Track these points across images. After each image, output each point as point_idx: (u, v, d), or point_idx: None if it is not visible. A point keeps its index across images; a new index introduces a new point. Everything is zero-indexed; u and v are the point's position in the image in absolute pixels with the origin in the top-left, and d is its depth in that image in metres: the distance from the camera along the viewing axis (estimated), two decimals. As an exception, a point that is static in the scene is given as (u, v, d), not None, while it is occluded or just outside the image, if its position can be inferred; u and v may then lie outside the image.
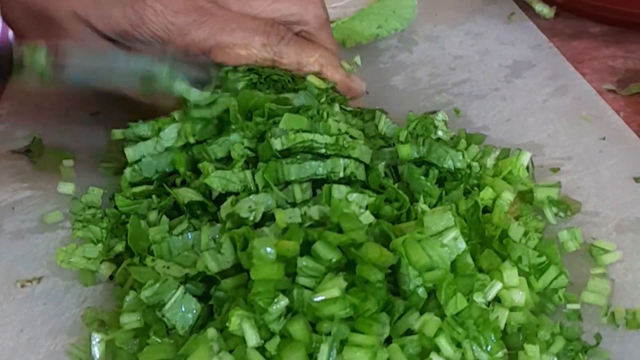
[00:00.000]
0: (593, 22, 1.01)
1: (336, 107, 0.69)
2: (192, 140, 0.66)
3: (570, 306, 0.59)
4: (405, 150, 0.64)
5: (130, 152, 0.67)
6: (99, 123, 0.81)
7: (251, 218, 0.58)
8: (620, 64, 0.92)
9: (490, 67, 0.90)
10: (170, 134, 0.67)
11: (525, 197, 0.68)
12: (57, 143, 0.78)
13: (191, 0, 0.71)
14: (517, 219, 0.64)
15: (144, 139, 0.67)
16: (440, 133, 0.69)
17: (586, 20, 1.01)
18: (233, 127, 0.65)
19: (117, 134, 0.70)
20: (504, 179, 0.67)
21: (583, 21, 1.01)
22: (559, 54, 0.92)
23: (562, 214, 0.68)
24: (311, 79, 0.72)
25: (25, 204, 0.71)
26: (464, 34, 0.98)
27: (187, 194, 0.63)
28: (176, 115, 0.68)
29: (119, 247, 0.63)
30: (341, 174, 0.61)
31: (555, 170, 0.73)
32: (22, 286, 0.63)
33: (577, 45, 0.97)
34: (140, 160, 0.67)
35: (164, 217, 0.63)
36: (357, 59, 0.81)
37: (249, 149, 0.64)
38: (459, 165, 0.64)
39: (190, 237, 0.60)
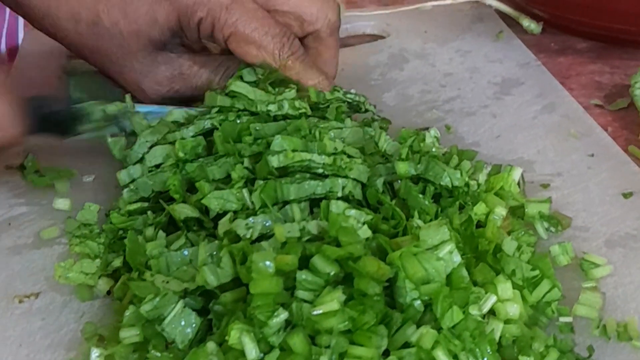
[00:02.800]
0: (578, 38, 1.02)
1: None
2: (182, 156, 0.67)
3: (562, 319, 0.59)
4: (404, 168, 0.65)
5: (122, 176, 0.69)
6: (94, 139, 0.82)
7: (248, 236, 0.59)
8: (606, 80, 0.94)
9: (479, 85, 0.92)
10: (155, 154, 0.68)
11: (516, 212, 0.69)
12: (52, 160, 0.78)
13: None
14: (509, 233, 0.65)
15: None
16: (432, 150, 0.70)
17: (572, 36, 1.03)
18: (222, 152, 0.67)
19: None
20: (496, 194, 0.68)
21: (569, 37, 1.03)
22: (546, 72, 0.93)
23: (553, 229, 0.69)
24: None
25: (22, 220, 0.72)
26: (453, 51, 0.99)
27: (183, 210, 0.63)
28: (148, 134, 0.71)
29: (117, 262, 0.63)
30: (339, 194, 0.62)
31: (545, 186, 0.74)
32: (20, 301, 0.63)
33: (564, 61, 0.98)
34: (134, 180, 0.68)
35: (161, 232, 0.64)
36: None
37: (247, 169, 0.64)
38: (456, 183, 0.65)
39: (186, 253, 0.60)
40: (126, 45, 0.76)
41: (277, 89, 0.74)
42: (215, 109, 0.72)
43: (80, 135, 0.74)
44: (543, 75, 0.93)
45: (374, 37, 1.06)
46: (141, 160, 0.69)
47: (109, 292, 0.63)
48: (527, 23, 1.03)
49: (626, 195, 0.73)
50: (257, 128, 0.68)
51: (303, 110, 0.71)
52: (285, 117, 0.71)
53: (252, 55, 0.76)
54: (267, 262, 0.53)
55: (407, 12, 1.06)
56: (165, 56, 0.78)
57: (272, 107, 0.70)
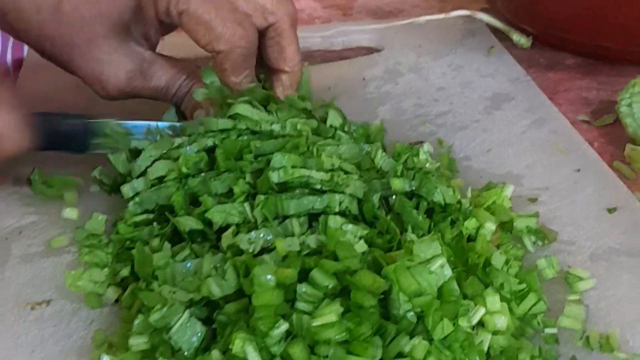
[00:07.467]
0: (567, 54, 1.05)
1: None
2: (185, 171, 0.70)
3: (548, 330, 0.62)
4: (398, 184, 0.68)
5: (126, 189, 0.71)
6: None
7: (250, 250, 0.62)
8: (593, 96, 0.97)
9: (471, 99, 0.95)
10: (158, 167, 0.71)
11: (505, 226, 0.72)
12: (59, 171, 0.81)
13: None
14: (498, 247, 0.68)
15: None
16: (427, 165, 0.73)
17: (560, 52, 1.06)
18: (223, 168, 0.70)
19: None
20: (488, 208, 0.71)
21: (557, 52, 1.06)
22: (536, 87, 0.96)
23: (539, 243, 0.71)
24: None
25: (32, 229, 0.74)
26: (446, 65, 1.02)
27: (187, 223, 0.66)
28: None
29: (125, 272, 0.66)
30: (337, 209, 0.65)
31: (533, 200, 0.77)
32: (32, 308, 0.66)
33: (552, 76, 1.01)
34: (138, 193, 0.71)
35: (166, 243, 0.66)
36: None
37: (248, 184, 0.67)
38: (449, 200, 0.68)
39: (190, 265, 0.63)
40: (88, 30, 0.77)
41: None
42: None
43: (97, 150, 0.78)
44: (532, 90, 0.96)
45: (370, 50, 1.08)
46: (144, 173, 0.72)
47: (117, 300, 0.66)
48: (517, 37, 1.06)
49: (610, 210, 0.76)
50: (258, 145, 0.70)
51: (305, 134, 0.73)
52: (284, 135, 0.74)
53: (200, 35, 0.77)
54: (269, 276, 0.56)
55: (401, 26, 1.09)
56: (128, 47, 0.79)
57: (276, 127, 0.73)
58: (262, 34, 0.81)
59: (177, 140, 0.73)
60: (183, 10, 0.76)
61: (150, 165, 0.72)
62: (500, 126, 0.89)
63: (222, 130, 0.73)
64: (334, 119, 0.79)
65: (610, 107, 0.93)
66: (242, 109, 0.74)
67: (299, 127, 0.73)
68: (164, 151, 0.73)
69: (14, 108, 0.71)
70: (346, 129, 0.79)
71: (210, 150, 0.72)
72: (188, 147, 0.72)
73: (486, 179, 0.79)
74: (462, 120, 0.91)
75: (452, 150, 0.85)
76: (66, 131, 0.77)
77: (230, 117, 0.74)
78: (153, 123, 0.80)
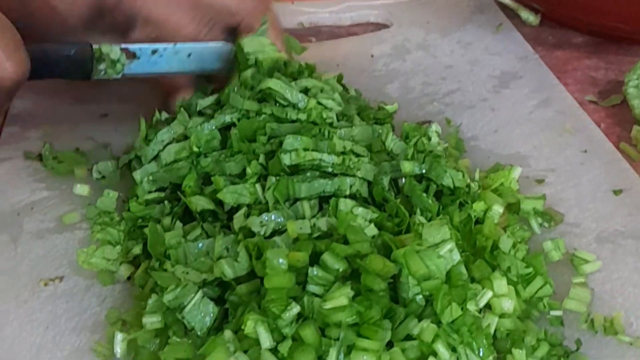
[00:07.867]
0: (575, 32, 1.05)
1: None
2: (197, 150, 0.70)
3: (553, 313, 0.63)
4: (409, 167, 0.68)
5: (138, 175, 0.72)
6: (108, 124, 0.85)
7: (262, 233, 0.63)
8: (601, 75, 0.97)
9: (479, 78, 0.95)
10: (170, 151, 0.72)
11: (512, 207, 0.72)
12: (69, 146, 0.82)
13: None
14: (505, 228, 0.69)
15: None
16: (438, 148, 0.73)
17: (569, 30, 1.06)
18: (237, 149, 0.70)
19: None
20: (495, 190, 0.72)
21: (566, 30, 1.06)
22: (544, 66, 0.96)
23: (546, 225, 0.72)
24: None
25: (44, 204, 0.75)
26: (454, 43, 1.02)
27: (199, 203, 0.67)
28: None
29: (137, 250, 0.67)
30: (347, 192, 0.66)
31: (540, 181, 0.78)
32: (46, 285, 0.67)
33: (561, 55, 1.01)
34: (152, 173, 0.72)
35: (178, 222, 0.67)
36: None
37: (261, 165, 0.68)
38: (458, 184, 0.68)
39: (201, 246, 0.64)
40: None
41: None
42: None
43: (101, 76, 0.76)
44: (540, 69, 0.96)
45: (378, 26, 1.08)
46: (156, 157, 0.73)
47: (129, 278, 0.67)
48: (525, 15, 1.06)
49: (616, 192, 0.76)
50: (274, 127, 0.71)
51: (330, 121, 0.74)
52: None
53: (165, 36, 0.78)
54: (281, 260, 0.57)
55: (410, 2, 1.09)
56: None
57: (302, 116, 0.73)
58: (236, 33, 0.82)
59: (191, 122, 0.73)
60: (138, 13, 0.77)
61: (163, 149, 0.72)
62: (508, 105, 0.90)
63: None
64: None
65: (617, 87, 0.93)
66: (274, 83, 0.74)
67: (324, 115, 0.73)
68: (176, 135, 0.73)
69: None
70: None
71: (223, 128, 0.73)
72: (206, 124, 0.72)
73: (494, 159, 0.80)
74: (470, 99, 0.91)
75: (460, 129, 0.85)
76: (69, 56, 0.74)
77: (260, 91, 0.74)
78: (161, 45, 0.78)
